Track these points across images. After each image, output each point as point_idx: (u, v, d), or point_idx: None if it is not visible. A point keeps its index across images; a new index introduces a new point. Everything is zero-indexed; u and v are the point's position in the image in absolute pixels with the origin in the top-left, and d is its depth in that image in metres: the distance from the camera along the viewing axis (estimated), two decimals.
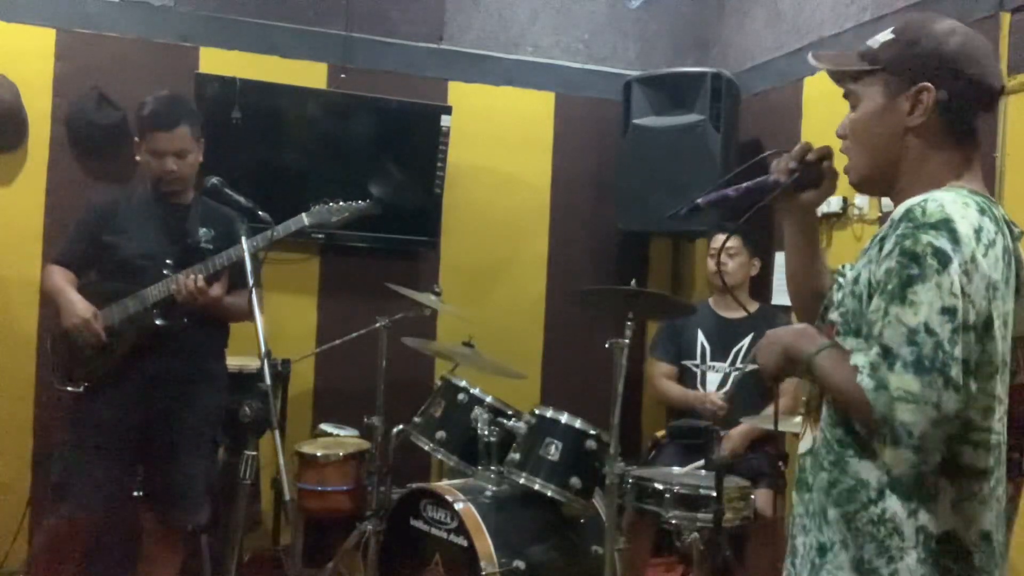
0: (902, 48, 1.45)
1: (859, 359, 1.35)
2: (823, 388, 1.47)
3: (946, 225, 1.31)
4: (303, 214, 2.87)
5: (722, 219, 3.79)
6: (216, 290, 2.82)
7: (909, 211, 1.35)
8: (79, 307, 2.78)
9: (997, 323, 1.34)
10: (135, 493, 3.01)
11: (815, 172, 1.57)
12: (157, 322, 2.80)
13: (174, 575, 3.01)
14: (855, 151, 1.52)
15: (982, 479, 1.38)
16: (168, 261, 2.82)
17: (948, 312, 1.29)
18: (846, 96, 1.53)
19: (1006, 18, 3.02)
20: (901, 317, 1.31)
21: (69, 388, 2.83)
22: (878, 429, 1.33)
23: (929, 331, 1.29)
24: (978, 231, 1.33)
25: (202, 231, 2.92)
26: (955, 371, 1.28)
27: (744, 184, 1.63)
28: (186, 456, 2.89)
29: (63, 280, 2.87)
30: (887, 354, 1.31)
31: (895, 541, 1.36)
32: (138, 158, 2.92)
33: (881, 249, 1.37)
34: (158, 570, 2.99)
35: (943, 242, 1.30)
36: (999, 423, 1.39)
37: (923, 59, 1.43)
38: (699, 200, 1.63)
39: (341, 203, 2.92)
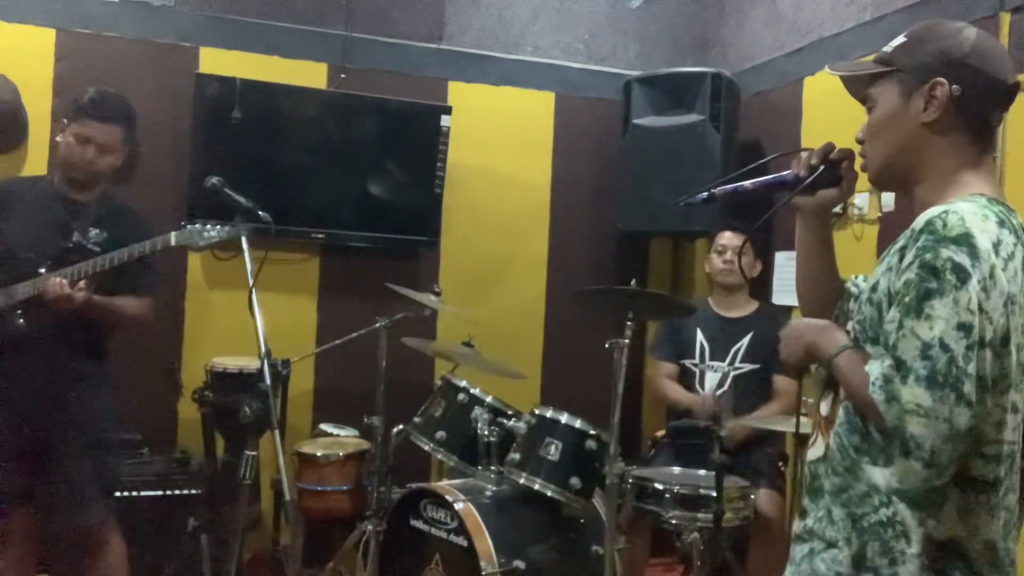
0: (915, 48, 1.49)
1: (873, 369, 1.35)
2: (843, 388, 1.48)
3: (966, 240, 1.32)
4: (172, 233, 2.70)
5: (726, 216, 3.78)
6: (80, 295, 2.65)
7: (930, 223, 1.36)
8: None
9: (1014, 337, 1.34)
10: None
11: (836, 171, 1.58)
12: (20, 322, 2.71)
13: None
14: (873, 149, 1.54)
15: (990, 489, 1.38)
16: (47, 259, 2.72)
17: (964, 328, 1.29)
18: (864, 103, 1.56)
19: (1006, 18, 3.02)
20: (916, 331, 1.31)
21: None
22: (891, 439, 1.33)
23: (944, 346, 1.29)
24: (997, 245, 1.34)
25: (93, 232, 2.82)
26: (967, 387, 1.28)
27: (762, 178, 1.64)
28: (67, 459, 2.75)
29: None
30: (900, 367, 1.31)
31: (900, 544, 1.37)
32: (58, 139, 2.84)
33: (901, 259, 1.38)
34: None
35: (963, 257, 1.31)
36: (1013, 433, 1.39)
37: (936, 56, 1.46)
38: (715, 190, 1.64)
39: (210, 227, 2.71)
